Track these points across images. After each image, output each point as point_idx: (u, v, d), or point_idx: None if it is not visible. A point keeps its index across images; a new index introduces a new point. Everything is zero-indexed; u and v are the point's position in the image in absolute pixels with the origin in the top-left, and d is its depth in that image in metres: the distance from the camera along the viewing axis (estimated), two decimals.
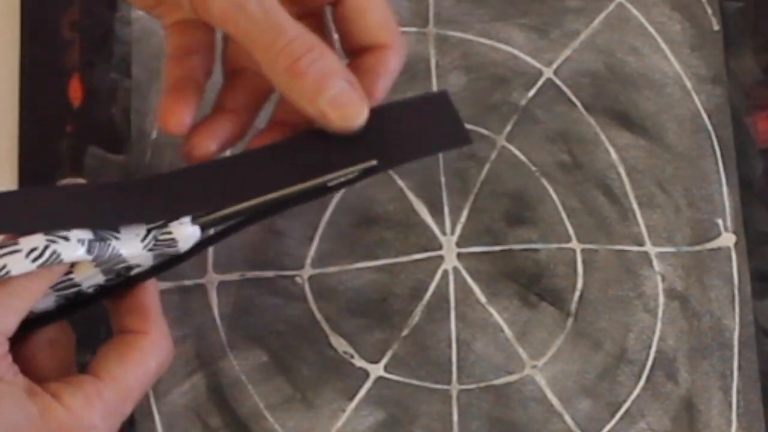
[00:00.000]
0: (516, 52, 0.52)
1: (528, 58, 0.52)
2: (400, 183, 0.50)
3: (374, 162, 0.39)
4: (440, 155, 0.50)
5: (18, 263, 0.34)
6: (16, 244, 0.34)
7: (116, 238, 0.36)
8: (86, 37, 0.52)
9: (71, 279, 0.37)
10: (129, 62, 0.52)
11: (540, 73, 0.52)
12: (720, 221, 0.50)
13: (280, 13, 0.38)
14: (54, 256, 0.34)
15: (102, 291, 0.39)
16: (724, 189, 0.50)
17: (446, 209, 0.50)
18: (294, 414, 0.48)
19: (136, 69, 0.52)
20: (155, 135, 0.51)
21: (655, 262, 0.49)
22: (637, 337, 0.48)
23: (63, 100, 0.51)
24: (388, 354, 0.48)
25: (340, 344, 0.48)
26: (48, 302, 0.38)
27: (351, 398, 0.48)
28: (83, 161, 0.50)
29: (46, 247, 0.34)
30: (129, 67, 0.52)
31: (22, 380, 0.36)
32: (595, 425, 0.47)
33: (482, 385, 0.48)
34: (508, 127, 0.51)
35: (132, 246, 0.37)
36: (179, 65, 0.42)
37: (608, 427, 0.47)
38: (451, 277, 0.49)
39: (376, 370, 0.48)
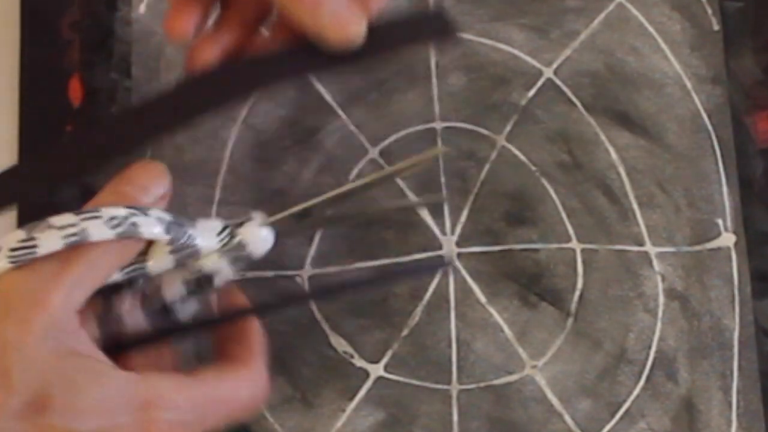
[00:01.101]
0: (516, 52, 0.52)
1: (528, 58, 0.52)
2: (400, 183, 0.50)
3: (446, 148, 0.42)
4: (440, 155, 0.50)
5: (98, 229, 0.33)
6: (97, 211, 0.34)
7: (193, 227, 0.36)
8: (86, 37, 0.52)
9: (143, 267, 0.36)
10: (129, 62, 0.52)
11: (540, 73, 0.52)
12: (720, 221, 0.50)
13: None
14: (133, 228, 0.34)
15: (197, 321, 0.39)
16: (724, 189, 0.50)
17: (446, 209, 0.50)
18: (294, 414, 0.47)
19: (136, 69, 0.52)
20: None
21: (655, 262, 0.49)
22: (637, 337, 0.48)
23: (63, 100, 0.51)
24: (388, 354, 0.48)
25: (340, 344, 0.48)
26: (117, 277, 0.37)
27: (351, 398, 0.48)
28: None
29: (126, 218, 0.34)
30: (129, 67, 0.52)
31: (102, 355, 0.35)
32: (595, 425, 0.47)
33: (482, 385, 0.48)
34: (508, 127, 0.51)
35: (207, 238, 0.36)
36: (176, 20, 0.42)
37: (608, 427, 0.47)
38: (451, 277, 0.49)
39: (376, 370, 0.48)
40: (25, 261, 0.33)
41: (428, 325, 0.48)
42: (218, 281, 0.38)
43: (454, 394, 0.48)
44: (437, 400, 0.48)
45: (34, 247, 0.33)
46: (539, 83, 0.51)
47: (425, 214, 0.50)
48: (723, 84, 0.51)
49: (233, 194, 0.50)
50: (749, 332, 0.48)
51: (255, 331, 0.39)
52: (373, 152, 0.50)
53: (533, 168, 0.50)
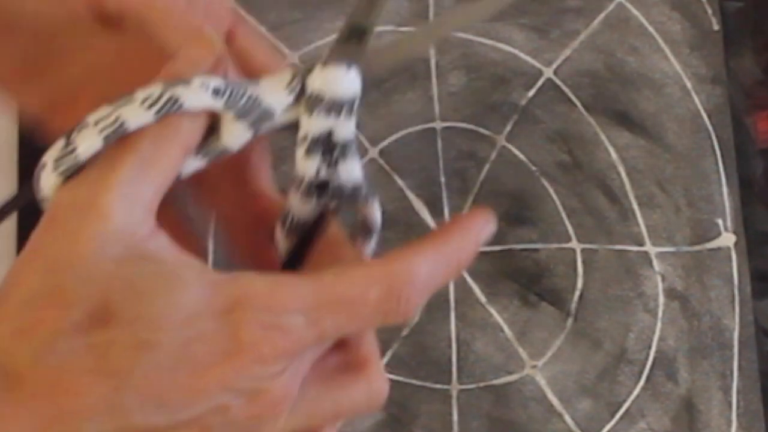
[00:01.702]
0: (516, 52, 0.52)
1: (528, 58, 0.52)
2: (400, 183, 0.50)
3: None
4: (440, 155, 0.50)
5: (133, 113, 0.29)
6: (130, 95, 0.29)
7: (255, 84, 0.31)
8: None
9: (219, 147, 0.31)
10: None
11: (540, 73, 0.52)
12: (720, 221, 0.50)
13: None
14: (172, 103, 0.29)
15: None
16: (724, 189, 0.50)
17: (446, 209, 0.50)
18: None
19: None
20: None
21: (655, 262, 0.49)
22: (637, 337, 0.48)
23: None
24: (388, 354, 0.48)
25: None
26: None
27: None
28: None
29: (162, 94, 0.29)
30: None
31: (185, 257, 0.29)
32: (595, 425, 0.47)
33: (482, 385, 0.48)
34: (508, 127, 0.51)
35: (276, 93, 0.31)
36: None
37: (608, 427, 0.47)
38: None
39: None
40: (71, 170, 0.29)
41: (428, 325, 0.48)
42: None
43: (454, 393, 0.48)
44: (437, 400, 0.48)
45: (73, 151, 0.29)
46: (539, 83, 0.52)
47: (425, 214, 0.50)
48: (723, 84, 0.51)
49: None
50: (749, 332, 0.48)
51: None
52: (373, 152, 0.50)
53: (533, 168, 0.50)
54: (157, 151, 0.29)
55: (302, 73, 0.31)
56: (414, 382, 0.48)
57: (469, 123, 0.51)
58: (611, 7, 0.53)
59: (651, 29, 0.52)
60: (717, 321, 0.49)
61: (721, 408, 0.48)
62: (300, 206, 0.33)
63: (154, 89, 0.29)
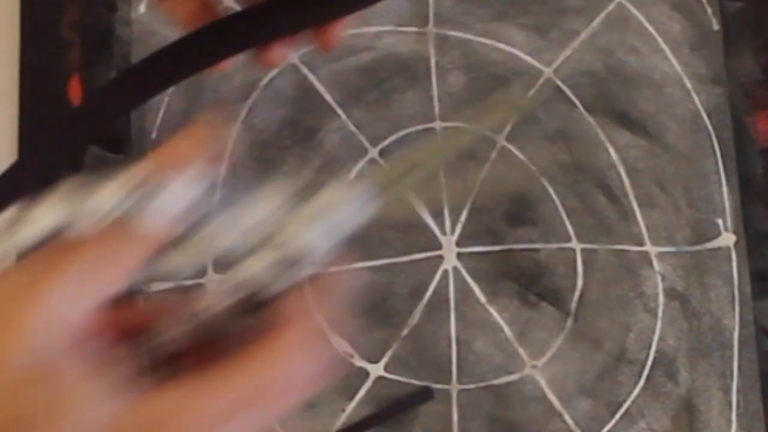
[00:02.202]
0: (516, 52, 0.52)
1: (528, 58, 0.52)
2: None
3: None
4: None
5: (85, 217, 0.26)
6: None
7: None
8: (86, 37, 0.52)
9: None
10: (129, 62, 0.52)
11: (540, 73, 0.52)
12: (720, 221, 0.50)
13: None
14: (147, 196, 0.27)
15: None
16: (724, 189, 0.50)
17: (446, 209, 0.50)
18: (294, 414, 0.47)
19: None
20: (155, 135, 0.51)
21: (655, 262, 0.49)
22: (637, 337, 0.48)
23: (63, 100, 0.51)
24: (388, 354, 0.48)
25: (340, 344, 0.48)
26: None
27: (351, 398, 0.48)
28: (83, 161, 0.50)
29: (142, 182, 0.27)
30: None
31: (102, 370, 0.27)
32: (595, 425, 0.47)
33: (482, 385, 0.48)
34: (508, 127, 0.51)
35: (230, 235, 0.29)
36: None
37: (608, 427, 0.47)
38: (450, 277, 0.49)
39: (376, 370, 0.48)
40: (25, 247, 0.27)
41: (428, 325, 0.48)
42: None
43: (454, 393, 0.48)
44: (437, 399, 0.48)
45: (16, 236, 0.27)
46: (539, 83, 0.51)
47: (425, 214, 0.50)
48: (723, 84, 0.51)
49: (233, 194, 0.50)
50: (749, 332, 0.48)
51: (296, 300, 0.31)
52: (373, 152, 0.50)
53: (533, 168, 0.50)
54: (102, 262, 0.27)
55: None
56: (414, 382, 0.48)
57: (469, 123, 0.51)
58: (611, 7, 0.53)
59: (651, 29, 0.52)
60: (717, 321, 0.49)
61: (721, 408, 0.48)
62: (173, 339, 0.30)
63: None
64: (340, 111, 0.51)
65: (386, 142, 0.51)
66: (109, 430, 0.27)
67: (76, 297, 0.27)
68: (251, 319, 0.30)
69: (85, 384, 0.27)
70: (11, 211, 0.27)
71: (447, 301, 0.49)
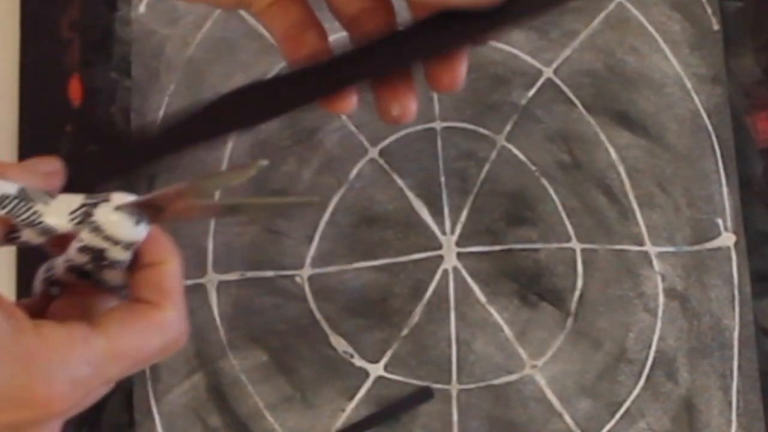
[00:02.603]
0: (516, 51, 0.52)
1: (528, 58, 0.52)
2: (400, 183, 0.50)
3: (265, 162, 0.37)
4: (440, 155, 0.50)
5: None
6: None
7: (45, 203, 0.35)
8: (86, 37, 0.52)
9: (18, 236, 0.36)
10: (129, 62, 0.52)
11: (540, 73, 0.52)
12: (720, 221, 0.50)
13: None
14: None
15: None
16: (724, 189, 0.50)
17: (446, 209, 0.50)
18: (294, 414, 0.47)
19: (136, 69, 0.52)
20: None
21: (655, 262, 0.49)
22: (637, 337, 0.48)
23: (63, 100, 0.51)
24: (388, 354, 0.48)
25: (340, 344, 0.48)
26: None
27: (351, 398, 0.48)
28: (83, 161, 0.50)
29: None
30: (129, 67, 0.52)
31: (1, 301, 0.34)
32: (595, 425, 0.47)
33: (482, 384, 0.48)
34: (508, 127, 0.51)
35: (59, 216, 0.35)
36: (297, 48, 0.40)
37: (608, 426, 0.47)
38: (450, 277, 0.49)
39: (376, 370, 0.48)
40: None
41: (428, 325, 0.48)
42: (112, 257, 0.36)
43: (454, 393, 0.48)
44: (437, 399, 0.48)
45: None
46: (539, 83, 0.52)
47: (425, 215, 0.50)
48: (723, 84, 0.51)
49: (233, 194, 0.50)
50: (749, 332, 0.48)
51: (171, 272, 0.37)
52: (373, 152, 0.50)
53: (533, 168, 0.50)
54: None
55: (90, 206, 0.35)
56: (414, 381, 0.48)
57: (469, 123, 0.51)
58: (611, 7, 0.53)
59: (651, 29, 0.52)
60: (717, 321, 0.49)
61: (721, 408, 0.48)
62: (61, 272, 0.37)
63: None
64: None
65: (386, 142, 0.51)
66: (8, 351, 0.32)
67: None
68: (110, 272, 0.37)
69: None
70: None
71: (447, 301, 0.49)
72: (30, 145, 0.51)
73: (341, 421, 0.47)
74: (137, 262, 0.37)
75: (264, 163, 0.36)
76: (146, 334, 0.35)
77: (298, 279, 0.49)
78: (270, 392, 0.48)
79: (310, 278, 0.49)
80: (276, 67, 0.51)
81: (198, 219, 0.41)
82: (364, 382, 0.48)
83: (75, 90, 0.52)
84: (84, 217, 0.35)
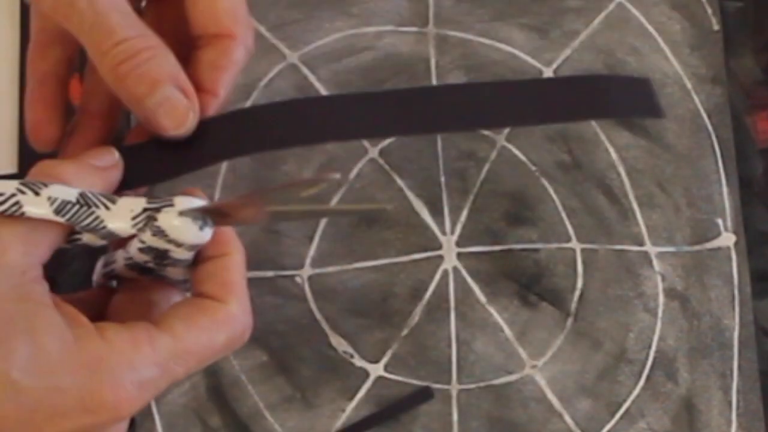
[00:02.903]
0: (516, 52, 0.52)
1: (528, 58, 0.52)
2: (400, 183, 0.50)
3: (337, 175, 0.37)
4: (440, 155, 0.50)
5: None
6: None
7: (107, 207, 0.35)
8: None
9: (80, 239, 0.36)
10: None
11: (540, 73, 0.52)
12: (720, 221, 0.50)
13: (113, 12, 0.36)
14: (15, 207, 0.33)
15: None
16: (724, 189, 0.50)
17: (446, 209, 0.50)
18: (294, 414, 0.47)
19: None
20: None
21: (655, 262, 0.49)
22: (637, 337, 0.48)
23: None
24: (388, 354, 0.48)
25: (340, 344, 0.48)
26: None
27: (351, 398, 0.48)
28: None
29: (12, 195, 0.33)
30: None
31: (62, 306, 0.33)
32: (595, 425, 0.47)
33: (482, 384, 0.48)
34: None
35: (122, 221, 0.35)
36: (43, 57, 0.40)
37: (608, 426, 0.47)
38: (451, 277, 0.49)
39: (376, 370, 0.48)
40: None
41: (428, 325, 0.48)
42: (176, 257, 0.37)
43: (454, 393, 0.48)
44: (437, 400, 0.48)
45: None
46: None
47: (425, 215, 0.50)
48: (723, 84, 0.51)
49: (233, 194, 0.50)
50: (749, 332, 0.48)
51: (235, 267, 0.37)
52: (373, 152, 0.50)
53: (533, 168, 0.50)
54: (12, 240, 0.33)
55: (153, 210, 0.35)
56: (414, 381, 0.48)
57: None
58: (611, 7, 0.53)
59: (651, 29, 0.52)
60: (717, 321, 0.49)
61: (721, 408, 0.48)
62: (120, 267, 0.38)
63: (6, 189, 0.33)
64: None
65: (386, 142, 0.51)
66: (73, 357, 0.32)
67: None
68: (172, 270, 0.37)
69: (56, 308, 0.33)
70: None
71: (447, 301, 0.49)
72: (30, 145, 0.51)
73: (341, 421, 0.47)
74: (200, 254, 0.37)
75: (336, 176, 0.36)
76: (212, 331, 0.35)
77: (298, 279, 0.49)
78: (270, 392, 0.48)
79: (310, 278, 0.49)
80: (275, 67, 0.51)
81: (261, 223, 0.41)
82: (364, 382, 0.48)
83: (75, 90, 0.52)
84: (147, 221, 0.35)
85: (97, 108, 0.41)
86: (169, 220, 0.35)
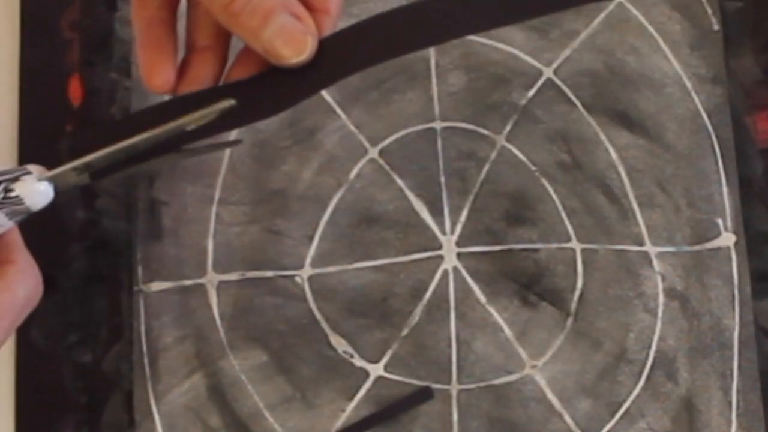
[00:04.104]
0: (516, 52, 0.52)
1: (528, 58, 0.52)
2: (400, 183, 0.50)
3: (232, 101, 0.38)
4: (440, 155, 0.50)
5: None
6: None
7: None
8: (86, 37, 0.52)
9: None
10: (129, 62, 0.52)
11: (540, 73, 0.52)
12: (720, 221, 0.50)
13: None
14: None
15: None
16: (724, 189, 0.50)
17: (446, 209, 0.50)
18: (294, 414, 0.48)
19: (135, 69, 0.52)
20: None
21: (655, 262, 0.49)
22: (637, 337, 0.48)
23: (63, 100, 0.51)
24: (388, 354, 0.48)
25: (340, 344, 0.48)
26: None
27: (351, 398, 0.48)
28: None
29: None
30: (129, 67, 0.52)
31: None
32: (595, 425, 0.47)
33: (482, 385, 0.48)
34: (508, 127, 0.51)
35: None
36: (144, 6, 0.41)
37: (608, 427, 0.47)
38: (451, 277, 0.49)
39: (376, 370, 0.48)
40: None
41: (428, 325, 0.48)
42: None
43: (454, 393, 0.48)
44: (437, 400, 0.48)
45: None
46: (539, 83, 0.52)
47: (425, 214, 0.50)
48: (723, 84, 0.51)
49: (233, 194, 0.50)
50: (749, 332, 0.48)
51: (10, 232, 0.40)
52: (373, 152, 0.50)
53: (533, 168, 0.50)
54: None
55: (8, 180, 0.38)
56: (414, 382, 0.48)
57: (469, 123, 0.51)
58: (611, 7, 0.53)
59: (651, 29, 0.52)
60: (717, 321, 0.49)
61: (721, 408, 0.48)
62: None
63: None
64: (340, 111, 0.51)
65: (386, 142, 0.51)
66: None
67: None
68: None
69: None
70: None
71: (447, 301, 0.49)
72: (30, 145, 0.51)
73: (341, 421, 0.47)
74: None
75: (231, 103, 0.38)
76: (10, 289, 0.38)
77: (298, 279, 0.49)
78: (270, 392, 0.48)
79: (310, 278, 0.49)
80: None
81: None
82: (364, 382, 0.48)
83: (75, 90, 0.52)
84: (4, 193, 0.38)
85: (204, 42, 0.41)
86: (31, 186, 0.38)
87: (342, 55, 0.39)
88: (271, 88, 0.39)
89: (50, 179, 0.39)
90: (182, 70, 0.42)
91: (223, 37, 0.42)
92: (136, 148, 0.39)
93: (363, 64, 0.39)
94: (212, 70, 0.41)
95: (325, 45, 0.38)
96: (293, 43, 0.37)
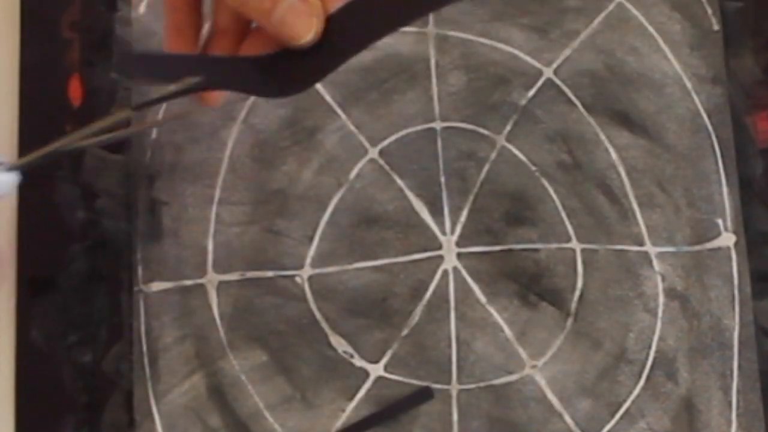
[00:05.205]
0: (516, 52, 0.52)
1: (528, 58, 0.52)
2: (400, 183, 0.50)
3: (130, 112, 0.41)
4: (440, 155, 0.50)
5: None
6: None
7: None
8: (86, 37, 0.52)
9: None
10: None
11: (540, 73, 0.52)
12: (720, 221, 0.50)
13: None
14: None
15: None
16: (724, 189, 0.50)
17: (446, 209, 0.50)
18: (294, 414, 0.48)
19: None
20: (155, 135, 0.51)
21: (655, 262, 0.49)
22: (637, 337, 0.48)
23: (63, 100, 0.51)
24: (388, 354, 0.48)
25: (340, 344, 0.48)
26: None
27: (351, 398, 0.48)
28: (83, 161, 0.50)
29: None
30: None
31: None
32: (595, 425, 0.47)
33: (482, 385, 0.48)
34: (508, 127, 0.51)
35: None
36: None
37: (608, 427, 0.47)
38: (451, 277, 0.49)
39: (376, 370, 0.48)
40: None
41: (428, 325, 0.48)
42: None
43: (454, 394, 0.48)
44: (437, 400, 0.48)
45: None
46: (539, 83, 0.52)
47: (425, 214, 0.50)
48: (723, 84, 0.52)
49: (233, 194, 0.50)
50: (749, 332, 0.48)
51: None
52: (373, 152, 0.51)
53: (533, 168, 0.50)
54: None
55: None
56: (414, 382, 0.48)
57: (469, 123, 0.51)
58: (611, 7, 0.53)
59: (651, 29, 0.52)
60: (717, 321, 0.49)
61: (721, 408, 0.48)
62: None
63: None
64: (340, 111, 0.51)
65: (386, 142, 0.51)
66: None
67: None
68: None
69: None
70: None
71: (447, 301, 0.49)
72: (30, 145, 0.51)
73: (341, 421, 0.47)
74: None
75: (129, 113, 0.42)
76: None
77: (298, 279, 0.49)
78: (270, 392, 0.48)
79: (310, 278, 0.49)
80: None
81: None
82: (364, 382, 0.48)
83: (75, 90, 0.52)
84: None
85: (225, 23, 0.43)
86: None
87: (350, 30, 0.40)
88: (284, 67, 0.41)
89: (19, 167, 0.40)
90: (204, 51, 0.44)
91: (243, 20, 0.43)
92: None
93: (373, 36, 0.40)
94: (230, 53, 0.43)
95: (332, 22, 0.40)
96: (299, 23, 0.39)
